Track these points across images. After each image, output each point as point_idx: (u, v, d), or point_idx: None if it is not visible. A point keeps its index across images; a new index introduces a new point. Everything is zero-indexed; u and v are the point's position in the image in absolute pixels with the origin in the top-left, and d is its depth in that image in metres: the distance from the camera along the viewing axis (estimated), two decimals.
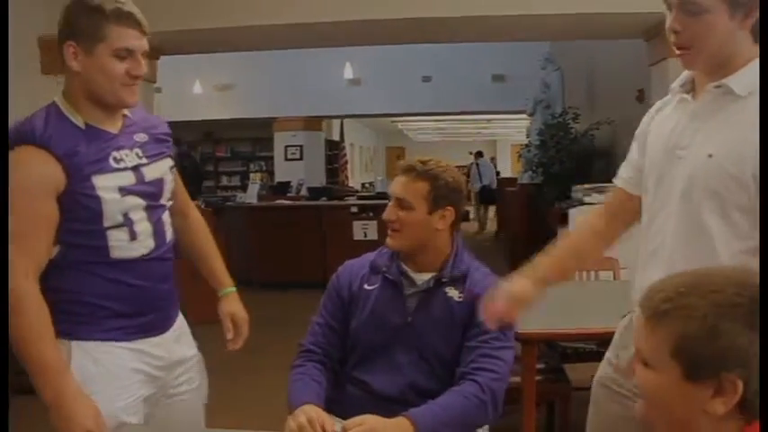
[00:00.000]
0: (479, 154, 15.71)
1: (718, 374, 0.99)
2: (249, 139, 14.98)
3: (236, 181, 14.75)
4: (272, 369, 4.66)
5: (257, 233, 7.84)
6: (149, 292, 1.74)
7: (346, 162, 14.60)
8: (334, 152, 14.60)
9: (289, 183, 10.25)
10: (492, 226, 14.35)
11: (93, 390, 1.64)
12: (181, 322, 1.90)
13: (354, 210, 8.10)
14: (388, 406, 1.72)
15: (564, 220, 5.74)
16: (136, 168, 1.71)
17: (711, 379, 0.99)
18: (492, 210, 14.85)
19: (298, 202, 8.88)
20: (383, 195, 9.33)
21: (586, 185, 5.80)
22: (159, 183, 1.78)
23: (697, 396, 1.01)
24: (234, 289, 2.04)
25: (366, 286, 1.94)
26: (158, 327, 1.79)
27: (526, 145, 9.08)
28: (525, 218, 8.25)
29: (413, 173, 1.87)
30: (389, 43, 7.40)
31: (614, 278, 3.76)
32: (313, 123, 13.01)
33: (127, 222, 1.68)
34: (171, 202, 1.84)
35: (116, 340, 1.70)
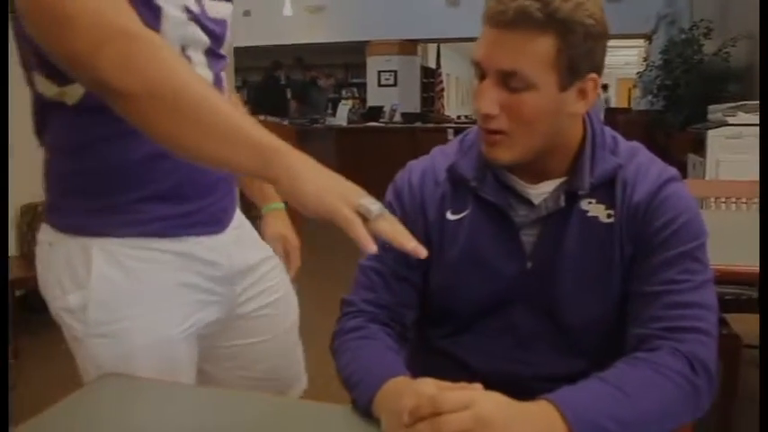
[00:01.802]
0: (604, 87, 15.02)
1: None
2: (341, 65, 14.44)
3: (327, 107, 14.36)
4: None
5: (345, 157, 7.36)
6: (200, 167, 1.13)
7: (443, 89, 13.88)
8: (430, 80, 13.94)
9: (381, 108, 9.68)
10: None
11: (125, 315, 1.13)
12: (240, 219, 1.34)
13: (451, 136, 7.50)
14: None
15: (698, 146, 4.95)
16: None
17: None
18: None
19: (390, 125, 8.33)
20: None
21: (728, 104, 4.96)
22: (223, 25, 1.22)
23: None
24: (283, 205, 1.48)
25: (450, 215, 1.19)
26: (210, 222, 1.23)
27: (647, 65, 8.14)
28: (645, 146, 7.44)
29: (529, 20, 1.01)
30: None
31: None
32: (408, 47, 12.38)
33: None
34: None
35: (156, 236, 1.16)
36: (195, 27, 1.14)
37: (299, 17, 12.03)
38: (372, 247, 0.83)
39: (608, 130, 1.19)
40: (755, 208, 3.07)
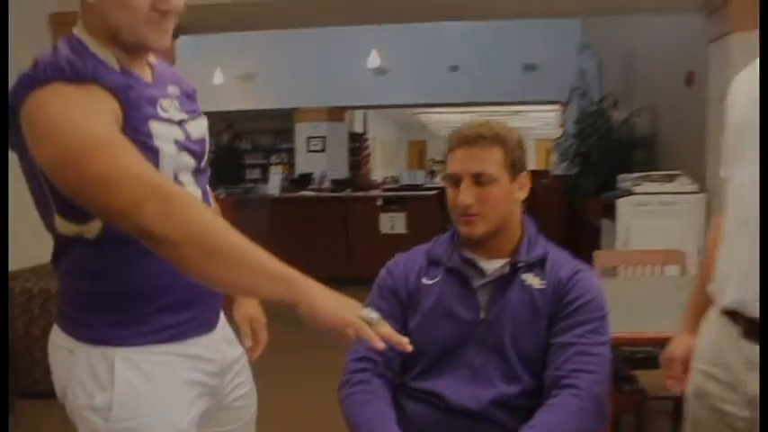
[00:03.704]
0: None
1: None
2: (270, 131, 14.65)
3: (257, 174, 14.45)
4: (304, 369, 4.41)
5: (280, 226, 7.53)
6: None
7: (369, 154, 14.26)
8: (357, 144, 14.28)
9: (311, 174, 9.91)
10: None
11: (144, 413, 1.30)
12: (223, 319, 1.54)
13: (380, 202, 7.81)
14: (466, 422, 1.47)
15: (609, 211, 5.35)
16: (180, 123, 1.36)
17: None
18: None
19: (322, 194, 8.57)
20: (409, 187, 9.06)
21: (635, 174, 5.41)
22: (203, 143, 1.43)
23: None
24: None
25: (425, 280, 1.66)
26: (208, 323, 1.43)
27: (562, 132, 8.67)
28: (562, 209, 7.87)
29: (483, 139, 1.59)
30: (416, 21, 7.05)
31: (682, 273, 3.37)
32: (336, 114, 12.69)
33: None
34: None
35: (168, 341, 1.35)
36: (185, 155, 1.36)
37: (229, 84, 12.22)
38: (381, 345, 1.15)
39: (539, 233, 1.68)
40: (658, 273, 3.42)
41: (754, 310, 1.34)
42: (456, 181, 1.61)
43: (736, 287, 1.40)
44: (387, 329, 1.19)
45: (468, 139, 1.59)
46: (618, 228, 5.08)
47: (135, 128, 1.24)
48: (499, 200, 1.59)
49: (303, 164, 12.13)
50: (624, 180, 5.39)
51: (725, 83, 4.49)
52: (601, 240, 5.85)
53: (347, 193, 8.31)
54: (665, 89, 6.66)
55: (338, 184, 8.94)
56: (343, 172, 12.12)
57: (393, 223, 7.48)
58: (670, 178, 5.10)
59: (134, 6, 1.26)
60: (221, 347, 1.48)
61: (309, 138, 12.49)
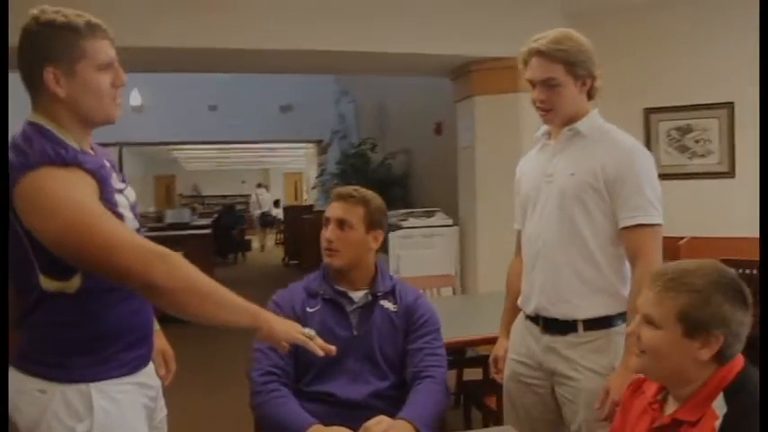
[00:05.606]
0: (259, 185, 18.13)
1: (707, 332, 1.40)
2: None
3: None
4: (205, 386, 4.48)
5: None
6: (149, 318, 1.73)
7: None
8: None
9: None
10: (277, 251, 14.94)
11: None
12: None
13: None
14: (352, 412, 1.91)
15: (383, 245, 6.05)
16: (122, 192, 1.68)
17: (702, 335, 1.41)
18: (270, 234, 17.04)
19: None
20: (178, 226, 9.16)
21: (402, 211, 6.21)
22: (137, 206, 1.77)
23: (690, 348, 1.42)
24: (158, 327, 1.99)
25: (308, 309, 2.12)
26: (149, 356, 1.76)
27: (321, 171, 9.38)
28: None
29: (352, 198, 2.13)
30: (174, 71, 7.21)
31: (453, 293, 4.17)
32: None
33: None
34: None
35: (129, 374, 1.64)
36: (133, 218, 1.68)
37: None
38: (320, 352, 1.65)
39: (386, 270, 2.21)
40: (436, 294, 4.17)
41: (549, 313, 2.11)
42: (327, 222, 2.12)
43: (536, 300, 2.15)
44: (321, 342, 1.68)
45: (342, 196, 2.14)
46: (390, 257, 5.83)
47: (107, 200, 1.53)
48: (353, 242, 2.09)
49: None
50: (393, 216, 6.15)
51: (470, 134, 5.42)
52: None
53: None
54: (417, 136, 7.65)
55: None
56: None
57: None
58: (429, 214, 5.98)
59: (101, 89, 1.57)
60: (154, 377, 1.81)
61: None
